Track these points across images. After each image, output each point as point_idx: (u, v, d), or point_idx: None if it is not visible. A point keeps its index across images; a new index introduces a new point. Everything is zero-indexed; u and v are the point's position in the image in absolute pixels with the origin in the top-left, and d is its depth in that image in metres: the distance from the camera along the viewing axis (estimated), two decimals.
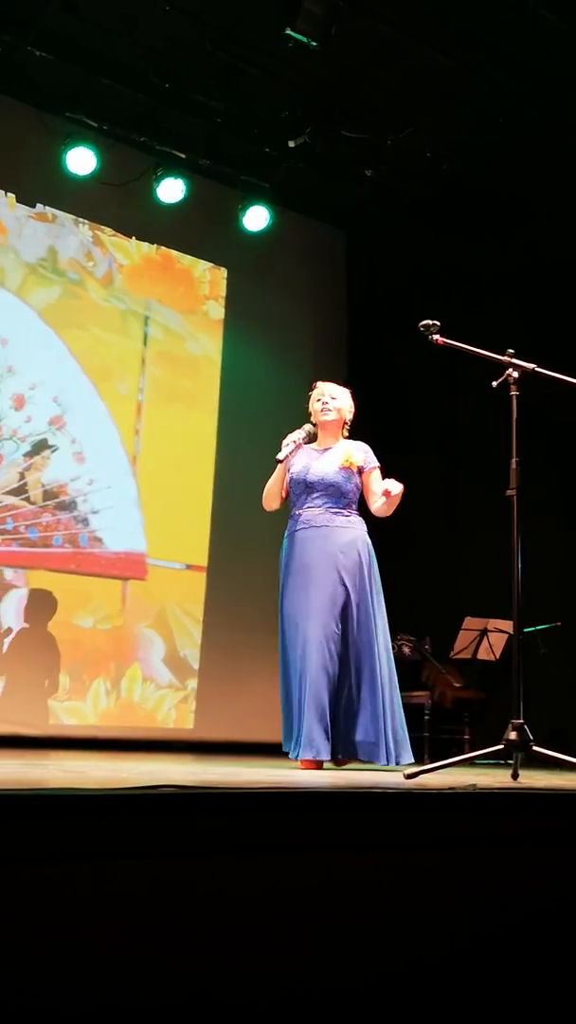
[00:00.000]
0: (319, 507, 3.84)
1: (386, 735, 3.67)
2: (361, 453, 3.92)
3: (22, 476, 6.24)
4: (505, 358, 3.14)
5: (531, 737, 2.83)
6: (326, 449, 3.95)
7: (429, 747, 6.07)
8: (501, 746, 2.85)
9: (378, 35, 5.64)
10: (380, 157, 6.63)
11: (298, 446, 3.89)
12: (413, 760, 3.71)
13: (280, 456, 3.85)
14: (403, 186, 7.01)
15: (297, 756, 3.65)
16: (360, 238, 7.88)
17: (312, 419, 3.99)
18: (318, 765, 3.63)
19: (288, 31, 5.35)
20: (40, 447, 6.33)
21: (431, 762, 2.98)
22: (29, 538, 6.22)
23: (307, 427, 3.95)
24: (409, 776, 2.64)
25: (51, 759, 3.68)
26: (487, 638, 6.12)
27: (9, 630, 6.04)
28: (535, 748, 2.84)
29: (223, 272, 7.31)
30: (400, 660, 6.47)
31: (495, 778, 2.92)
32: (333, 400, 3.97)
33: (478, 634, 6.11)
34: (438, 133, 6.49)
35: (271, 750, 3.91)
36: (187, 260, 7.17)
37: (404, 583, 6.69)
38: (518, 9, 5.36)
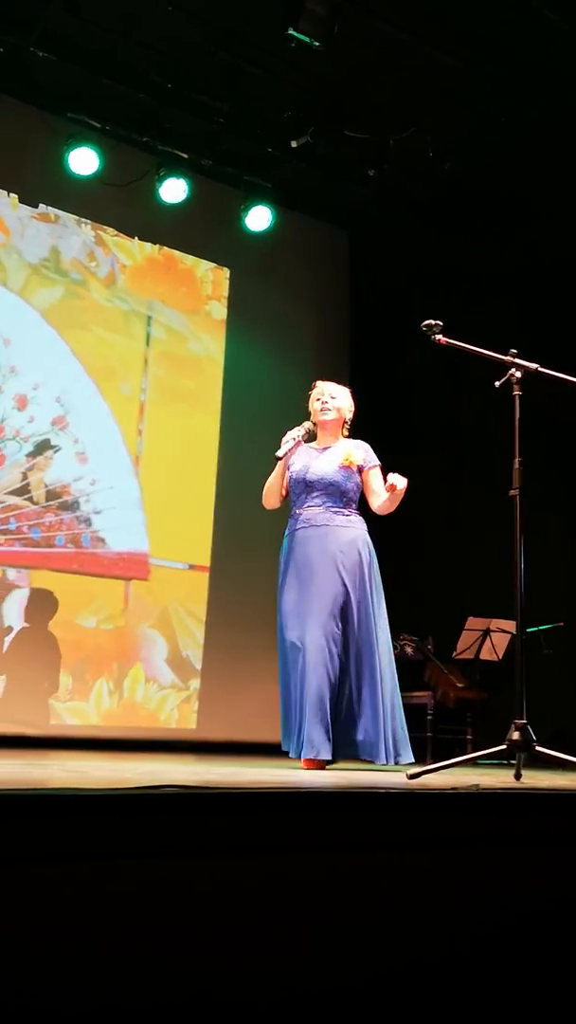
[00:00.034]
0: (319, 506, 3.83)
1: (386, 734, 3.66)
2: (361, 452, 3.91)
3: (25, 476, 6.25)
4: (508, 358, 3.13)
5: (534, 737, 2.83)
6: (326, 448, 3.94)
7: (432, 747, 6.06)
8: (504, 746, 2.84)
9: (381, 35, 5.64)
10: (383, 157, 6.63)
11: (297, 443, 3.88)
12: (413, 760, 3.70)
13: (279, 453, 3.83)
14: (406, 186, 7.01)
15: (299, 755, 3.65)
16: (363, 238, 7.88)
17: (312, 418, 3.98)
18: (321, 765, 3.63)
19: (291, 31, 5.34)
20: (43, 447, 6.33)
21: (434, 762, 2.98)
22: (32, 538, 6.22)
23: (307, 424, 3.95)
24: (412, 776, 2.64)
25: (53, 759, 3.68)
26: (490, 638, 6.11)
27: (11, 630, 6.05)
28: (538, 748, 2.84)
29: (226, 272, 7.31)
30: (403, 660, 6.48)
31: (498, 778, 2.92)
32: (333, 399, 3.96)
33: (481, 634, 6.10)
34: (441, 133, 6.48)
35: (274, 750, 3.91)
36: (190, 260, 7.17)
37: (407, 583, 6.69)
38: (521, 9, 5.36)
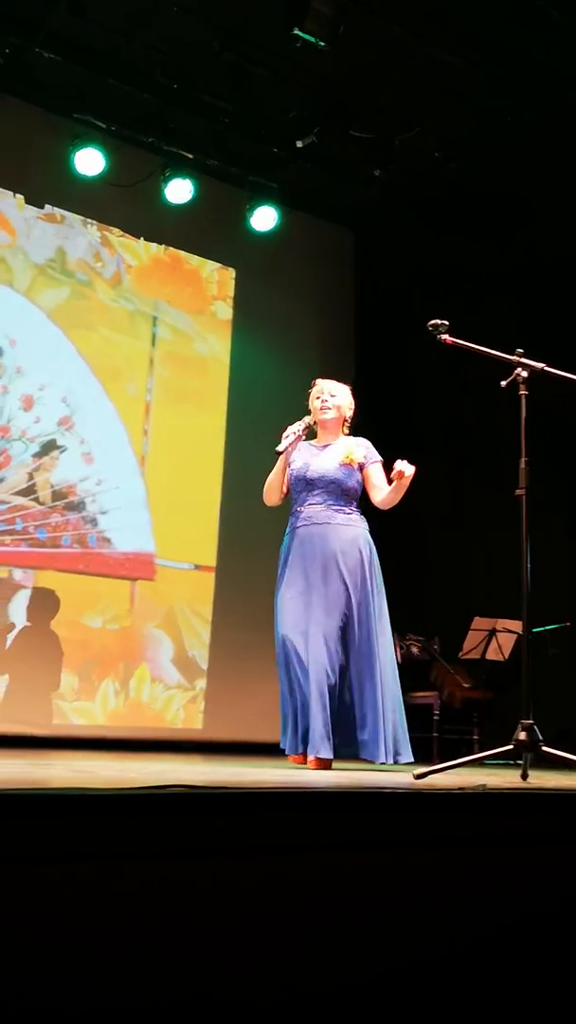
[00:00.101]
0: (320, 504, 3.83)
1: (385, 734, 3.66)
2: (362, 449, 3.91)
3: (31, 477, 6.26)
4: (514, 357, 3.13)
5: (540, 737, 2.83)
6: (326, 446, 3.94)
7: (438, 748, 6.06)
8: (511, 746, 2.84)
9: (386, 35, 5.64)
10: (388, 157, 6.62)
11: (298, 438, 3.87)
12: (413, 759, 3.70)
13: (280, 448, 3.82)
14: (411, 186, 7.00)
15: (294, 752, 3.66)
16: (368, 238, 7.88)
17: (312, 417, 3.97)
18: (327, 764, 3.63)
19: (296, 31, 5.34)
20: (49, 447, 6.34)
21: (440, 762, 2.97)
22: (38, 538, 6.23)
23: (307, 419, 3.94)
24: (419, 776, 2.64)
25: (60, 759, 3.69)
26: (496, 638, 6.10)
27: (17, 629, 6.06)
28: (544, 748, 2.84)
29: (231, 272, 7.31)
30: (409, 660, 6.48)
31: (505, 778, 2.92)
32: (332, 398, 3.96)
33: (487, 634, 6.10)
34: (446, 133, 6.48)
35: (280, 750, 3.91)
36: (195, 260, 7.18)
37: (413, 583, 6.69)
38: (526, 8, 5.35)
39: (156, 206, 6.67)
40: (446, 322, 3.23)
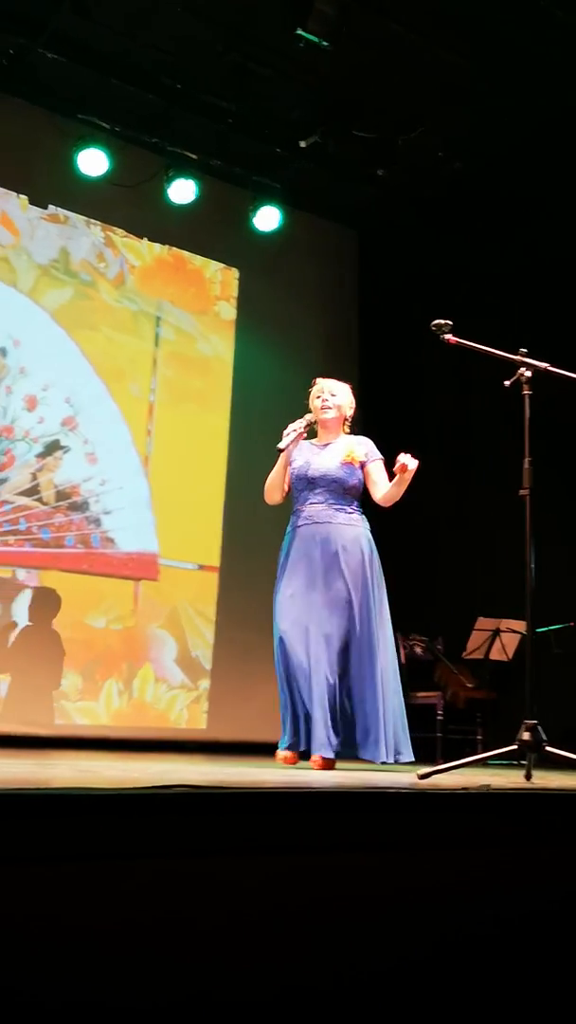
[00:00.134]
0: (321, 503, 3.83)
1: (387, 733, 3.65)
2: (363, 447, 3.91)
3: (35, 477, 6.26)
4: (517, 357, 3.13)
5: (544, 737, 2.82)
6: (326, 444, 3.94)
7: (441, 748, 6.05)
8: (514, 747, 2.84)
9: (389, 34, 5.63)
10: (391, 156, 6.62)
11: (299, 436, 3.87)
12: (413, 759, 3.70)
13: (281, 445, 3.82)
14: (414, 185, 7.00)
15: (293, 751, 3.65)
16: (371, 238, 7.88)
17: (312, 416, 3.97)
18: (330, 764, 3.63)
19: (299, 31, 5.35)
20: (52, 448, 6.35)
21: (444, 762, 2.97)
22: (42, 539, 6.23)
23: (308, 416, 3.94)
24: (422, 776, 2.64)
25: (64, 759, 3.69)
26: (500, 638, 6.10)
27: (21, 629, 6.06)
28: (548, 748, 2.83)
29: (234, 272, 7.31)
30: (413, 660, 6.48)
31: (508, 779, 2.92)
32: (333, 397, 3.96)
33: (491, 634, 6.09)
34: (449, 132, 6.47)
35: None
36: (198, 261, 7.18)
37: (417, 583, 6.69)
38: (529, 8, 5.34)
39: (159, 206, 6.68)
40: (449, 322, 3.23)
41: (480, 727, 6.30)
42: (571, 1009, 1.83)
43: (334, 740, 3.62)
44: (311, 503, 3.84)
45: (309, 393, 4.02)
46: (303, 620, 3.71)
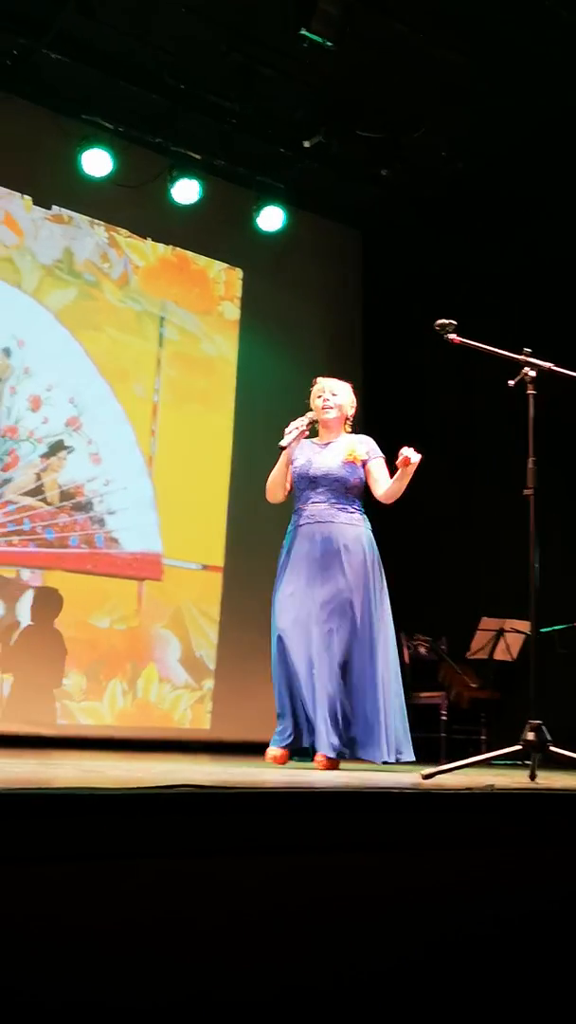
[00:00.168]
0: (323, 502, 3.82)
1: (388, 733, 3.64)
2: (364, 446, 3.91)
3: (39, 477, 6.27)
4: (521, 357, 3.13)
5: (549, 737, 2.82)
6: (328, 443, 3.93)
7: (445, 748, 6.05)
8: (519, 747, 2.84)
9: (393, 34, 5.63)
10: (395, 156, 6.62)
11: (301, 433, 3.86)
12: (414, 758, 3.69)
13: (283, 443, 3.81)
14: (418, 185, 7.00)
15: (285, 747, 3.64)
16: (375, 238, 7.88)
17: (314, 414, 3.97)
18: (335, 764, 3.63)
19: (303, 31, 5.35)
20: (57, 448, 6.35)
21: (448, 763, 2.97)
22: (46, 539, 6.24)
23: (310, 414, 3.93)
24: (427, 776, 2.64)
25: (68, 759, 3.69)
26: (504, 638, 6.09)
27: (27, 630, 6.07)
28: (553, 749, 2.83)
29: (238, 273, 7.31)
30: (416, 660, 6.48)
31: (513, 779, 2.91)
32: (334, 396, 3.95)
33: (495, 634, 6.09)
34: (453, 132, 6.47)
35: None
36: (202, 261, 7.18)
37: (421, 583, 6.68)
38: (534, 7, 5.34)
39: (163, 206, 6.68)
40: (453, 322, 3.23)
41: (484, 727, 6.30)
42: (573, 1009, 1.83)
43: (336, 740, 3.61)
44: (313, 502, 3.84)
45: (310, 392, 4.02)
46: (303, 619, 3.70)
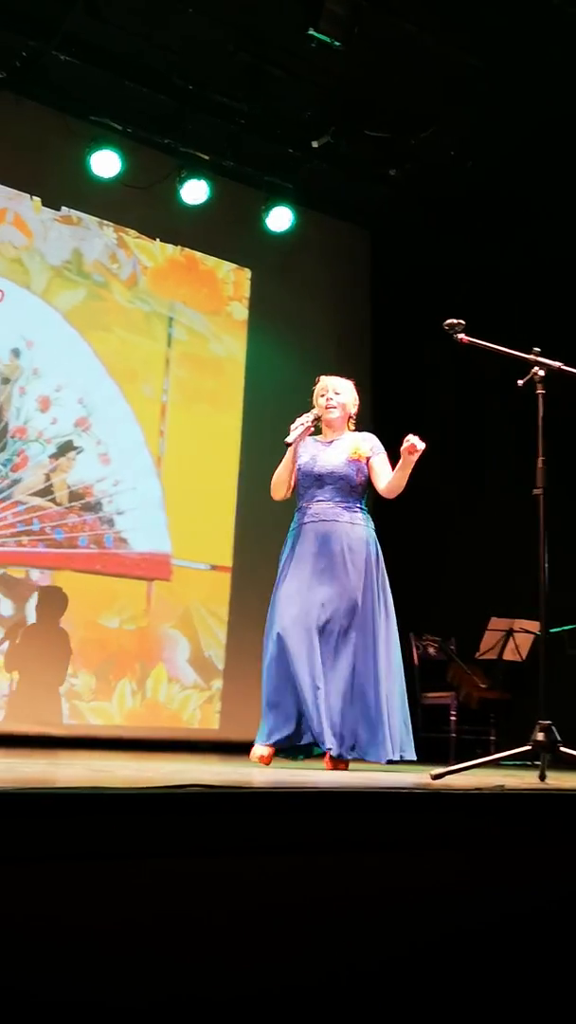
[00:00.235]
0: (328, 501, 3.82)
1: (392, 733, 3.63)
2: (368, 443, 3.90)
3: (48, 477, 6.29)
4: (531, 356, 3.12)
5: (559, 738, 2.81)
6: (331, 441, 3.93)
7: (455, 748, 6.04)
8: (528, 747, 2.83)
9: (401, 34, 5.63)
10: (404, 156, 6.61)
11: (307, 430, 3.86)
12: (416, 758, 3.68)
13: (289, 439, 3.81)
14: (427, 185, 6.99)
15: (272, 744, 3.62)
16: (384, 237, 7.87)
17: (318, 411, 3.96)
18: (343, 764, 3.63)
19: (311, 31, 5.35)
20: (65, 448, 6.37)
21: (457, 763, 2.96)
22: (55, 539, 6.25)
23: (315, 411, 3.93)
24: (436, 777, 2.63)
25: (78, 759, 3.70)
26: (513, 638, 6.08)
27: (27, 627, 6.08)
28: (563, 749, 2.82)
29: (247, 273, 7.32)
30: (426, 660, 6.47)
31: (522, 779, 2.91)
32: (337, 395, 3.95)
33: (504, 634, 6.07)
34: (462, 132, 6.46)
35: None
36: (211, 261, 7.19)
37: (429, 583, 6.67)
38: (542, 6, 5.32)
39: (172, 207, 6.69)
40: (462, 321, 3.22)
41: (493, 727, 6.29)
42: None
43: (341, 741, 3.60)
44: (318, 500, 3.83)
45: (313, 391, 4.01)
46: (305, 618, 3.68)
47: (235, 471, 7.01)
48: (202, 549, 6.81)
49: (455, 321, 3.22)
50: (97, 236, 6.71)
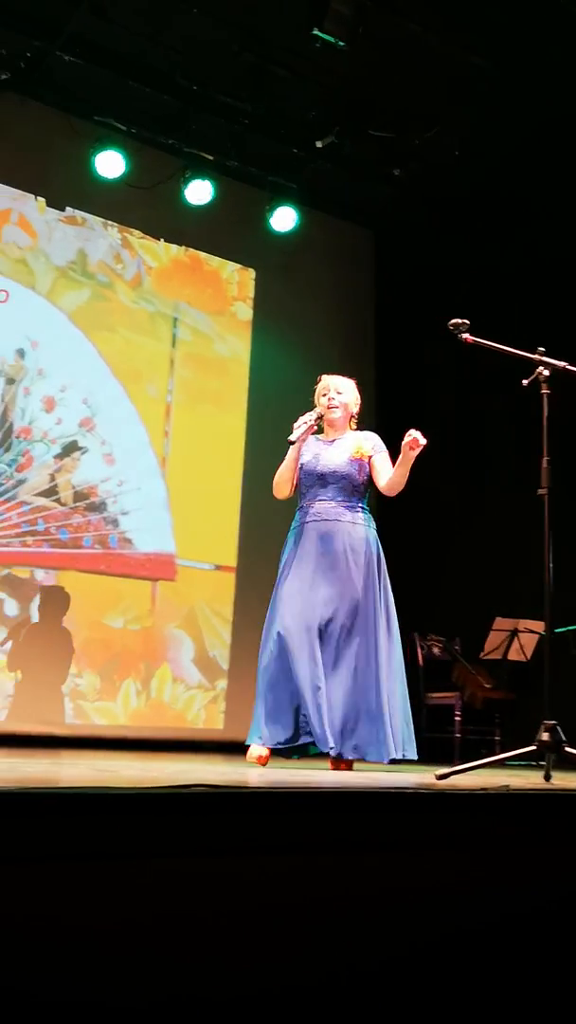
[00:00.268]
0: (330, 500, 3.81)
1: (393, 732, 3.62)
2: (370, 442, 3.90)
3: (52, 478, 6.29)
4: (536, 356, 3.12)
5: (563, 738, 2.81)
6: (333, 440, 3.93)
7: (459, 748, 6.03)
8: (533, 747, 2.83)
9: (405, 34, 5.62)
10: (408, 156, 6.61)
11: (310, 428, 3.86)
12: (417, 757, 3.68)
13: (292, 437, 3.81)
14: (431, 185, 6.98)
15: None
16: (388, 237, 7.87)
17: (321, 409, 3.96)
18: (349, 765, 3.63)
19: (315, 31, 5.34)
20: (70, 449, 6.38)
21: (462, 763, 2.96)
22: (60, 539, 6.26)
23: (319, 409, 3.93)
24: (441, 777, 2.63)
25: (83, 759, 3.70)
26: (518, 638, 6.07)
27: (37, 629, 6.09)
28: (567, 749, 2.82)
29: (251, 273, 7.32)
30: (430, 660, 6.46)
31: (527, 779, 2.90)
32: (339, 395, 3.95)
33: (508, 634, 6.07)
34: (466, 132, 6.45)
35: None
36: (215, 262, 7.19)
37: (434, 583, 6.67)
38: (548, 5, 5.32)
39: (176, 207, 6.69)
40: (467, 321, 3.22)
41: (498, 728, 6.28)
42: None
43: (344, 741, 3.60)
44: (320, 500, 3.83)
45: (314, 390, 4.01)
46: (307, 618, 3.67)
47: (239, 471, 7.01)
48: (206, 549, 6.81)
49: (460, 321, 3.22)
50: (101, 236, 6.71)
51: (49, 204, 6.51)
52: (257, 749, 3.64)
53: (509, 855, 1.85)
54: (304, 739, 3.59)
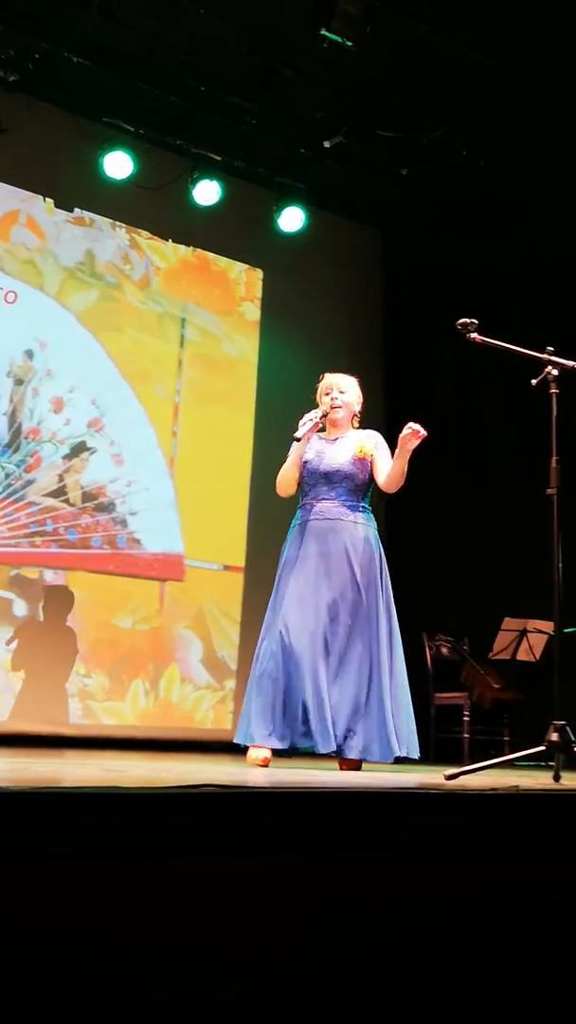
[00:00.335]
0: (333, 499, 3.80)
1: (397, 731, 3.61)
2: (372, 440, 3.90)
3: (61, 478, 6.30)
4: (544, 356, 3.11)
5: (573, 738, 2.80)
6: (336, 439, 3.92)
7: (468, 748, 6.03)
8: (543, 747, 2.82)
9: (413, 34, 5.62)
10: (416, 156, 6.60)
11: (315, 426, 3.85)
12: (419, 757, 3.67)
13: (298, 434, 3.80)
14: (439, 185, 6.97)
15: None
16: (395, 237, 7.86)
17: (325, 407, 3.95)
18: (356, 765, 3.62)
19: (323, 31, 5.34)
20: (79, 449, 6.39)
21: (471, 763, 2.96)
22: (68, 539, 6.27)
23: (323, 407, 3.92)
24: (450, 777, 2.63)
25: (91, 758, 3.71)
26: (527, 638, 6.06)
27: (47, 630, 6.10)
28: None
29: (259, 273, 7.32)
30: (439, 661, 6.46)
31: (537, 780, 2.90)
32: (342, 394, 3.93)
33: (517, 634, 6.06)
34: (475, 131, 6.44)
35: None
36: (223, 262, 7.20)
37: (442, 583, 6.66)
38: (557, 6, 5.31)
39: (184, 208, 6.70)
40: (475, 321, 3.22)
41: (507, 728, 6.27)
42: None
43: (348, 741, 3.59)
44: (323, 499, 3.82)
45: (317, 388, 4.00)
46: (309, 618, 3.65)
47: (247, 471, 7.01)
48: (215, 549, 6.82)
49: (468, 320, 3.22)
50: (110, 237, 6.73)
51: (57, 205, 6.52)
52: (258, 751, 3.61)
53: (518, 856, 1.85)
54: (304, 740, 3.57)
